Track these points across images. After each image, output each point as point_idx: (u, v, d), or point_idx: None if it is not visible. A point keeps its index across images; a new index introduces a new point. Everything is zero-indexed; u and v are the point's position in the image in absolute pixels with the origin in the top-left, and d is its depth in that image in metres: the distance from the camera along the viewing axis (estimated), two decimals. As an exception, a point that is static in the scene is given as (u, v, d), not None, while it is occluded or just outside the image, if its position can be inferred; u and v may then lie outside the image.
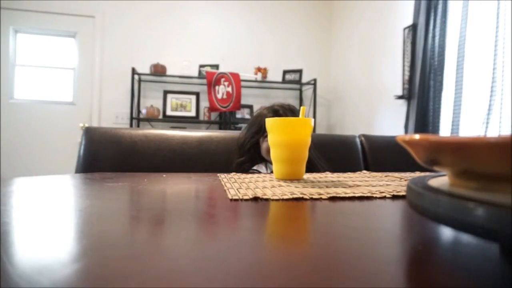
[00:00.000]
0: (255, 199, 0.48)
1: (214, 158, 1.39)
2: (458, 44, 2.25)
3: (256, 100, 3.88)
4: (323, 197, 0.49)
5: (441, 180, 0.31)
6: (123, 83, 3.49)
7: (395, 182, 0.66)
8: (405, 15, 2.83)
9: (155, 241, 0.28)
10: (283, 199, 0.48)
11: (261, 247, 0.28)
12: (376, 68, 3.24)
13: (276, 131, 0.71)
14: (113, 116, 3.53)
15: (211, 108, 3.48)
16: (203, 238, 0.30)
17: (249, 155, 1.26)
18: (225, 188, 0.56)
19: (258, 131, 1.24)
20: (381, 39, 3.20)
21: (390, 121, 2.95)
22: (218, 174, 0.78)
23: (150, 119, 3.47)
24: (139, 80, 3.56)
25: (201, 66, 3.63)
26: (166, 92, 3.59)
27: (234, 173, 0.81)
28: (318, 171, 1.00)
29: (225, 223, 0.37)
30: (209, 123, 3.70)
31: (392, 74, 2.97)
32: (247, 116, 3.83)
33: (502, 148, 0.20)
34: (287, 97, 3.94)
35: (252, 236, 0.31)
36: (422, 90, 2.52)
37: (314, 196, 0.49)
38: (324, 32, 4.06)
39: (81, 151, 1.28)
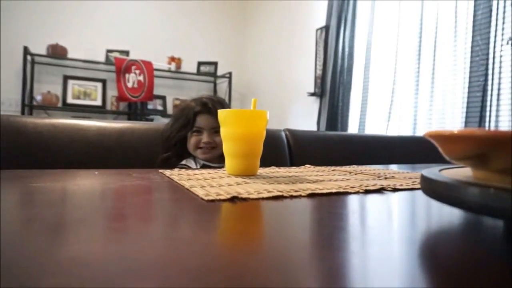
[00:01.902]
0: (232, 199, 0.43)
1: (136, 151, 1.27)
2: (366, 47, 2.45)
3: (169, 91, 3.71)
4: (302, 194, 0.46)
5: (457, 173, 0.31)
6: (12, 64, 3.00)
7: (347, 176, 0.67)
8: (318, 16, 2.98)
9: (157, 261, 0.22)
10: (262, 198, 0.44)
11: (293, 255, 0.23)
12: (290, 65, 3.37)
13: (230, 123, 0.66)
14: (-2, 102, 3.01)
15: (120, 98, 3.21)
16: (211, 248, 0.24)
17: (175, 150, 1.18)
18: (186, 187, 0.50)
19: (186, 125, 1.16)
20: (295, 38, 3.32)
21: (303, 117, 3.10)
22: (161, 171, 0.70)
23: (47, 107, 3.05)
24: (33, 62, 3.09)
25: (109, 51, 3.32)
26: (66, 78, 3.20)
27: (178, 169, 0.74)
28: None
29: (225, 230, 0.31)
30: (116, 114, 3.42)
31: (305, 72, 3.11)
32: (160, 108, 3.65)
33: None
34: (202, 89, 3.85)
35: (274, 242, 0.27)
36: (333, 89, 2.69)
37: (292, 194, 0.46)
38: (239, 26, 4.06)
39: (-32, 143, 1.05)
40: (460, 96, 1.86)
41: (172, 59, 3.62)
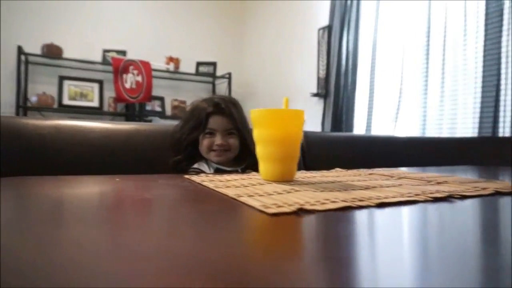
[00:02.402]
0: (297, 211, 0.37)
1: (144, 155, 1.20)
2: (371, 47, 2.40)
3: (166, 92, 3.63)
4: (370, 204, 0.40)
5: None
6: (6, 64, 2.88)
7: (395, 181, 0.62)
8: (320, 15, 2.93)
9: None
10: (330, 210, 0.38)
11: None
12: (291, 66, 3.31)
13: (266, 124, 0.60)
14: (-9, 103, 2.90)
15: (118, 99, 3.12)
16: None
17: (187, 153, 1.11)
18: (231, 196, 0.44)
19: (197, 126, 1.08)
20: (296, 38, 3.27)
21: (306, 118, 3.03)
22: (187, 176, 0.64)
23: (42, 108, 2.95)
24: (27, 62, 2.99)
25: (106, 51, 3.23)
26: (62, 78, 3.10)
27: (205, 174, 0.68)
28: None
29: (321, 254, 0.25)
30: (114, 115, 3.32)
31: (307, 72, 3.06)
32: (158, 109, 3.56)
33: None
34: (200, 90, 3.78)
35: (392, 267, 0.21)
36: (337, 89, 2.64)
37: (359, 204, 0.40)
38: (238, 26, 4.00)
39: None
40: (471, 96, 1.82)
41: (170, 59, 3.54)
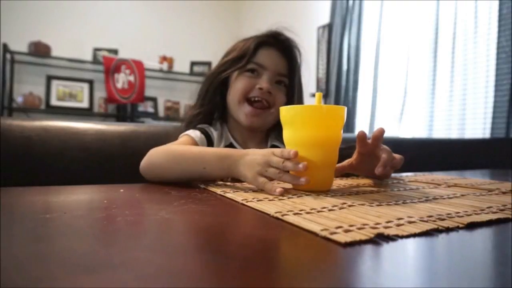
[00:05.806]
0: (374, 239, 0.27)
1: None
2: (375, 45, 2.33)
3: (160, 92, 3.52)
4: (458, 223, 0.32)
5: None
6: (-10, 62, 2.75)
7: (442, 190, 0.53)
8: (320, 13, 2.85)
9: None
10: (414, 235, 0.29)
11: None
12: (289, 65, 3.22)
13: (303, 124, 0.50)
14: (-26, 104, 2.76)
15: (110, 99, 3.00)
16: None
17: (211, 104, 0.77)
18: (273, 215, 0.34)
19: (240, 57, 0.73)
20: (294, 37, 3.18)
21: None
22: (203, 186, 0.54)
23: (29, 109, 2.81)
24: (12, 61, 2.85)
25: (97, 49, 3.10)
26: (50, 78, 2.96)
27: (223, 183, 0.58)
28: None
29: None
30: (104, 116, 3.20)
31: (305, 71, 2.96)
32: (151, 110, 3.44)
33: None
34: (195, 91, 3.66)
35: None
36: (338, 89, 2.56)
37: (441, 223, 0.31)
38: (234, 24, 3.90)
39: None
40: (482, 96, 1.75)
41: (164, 58, 3.43)
